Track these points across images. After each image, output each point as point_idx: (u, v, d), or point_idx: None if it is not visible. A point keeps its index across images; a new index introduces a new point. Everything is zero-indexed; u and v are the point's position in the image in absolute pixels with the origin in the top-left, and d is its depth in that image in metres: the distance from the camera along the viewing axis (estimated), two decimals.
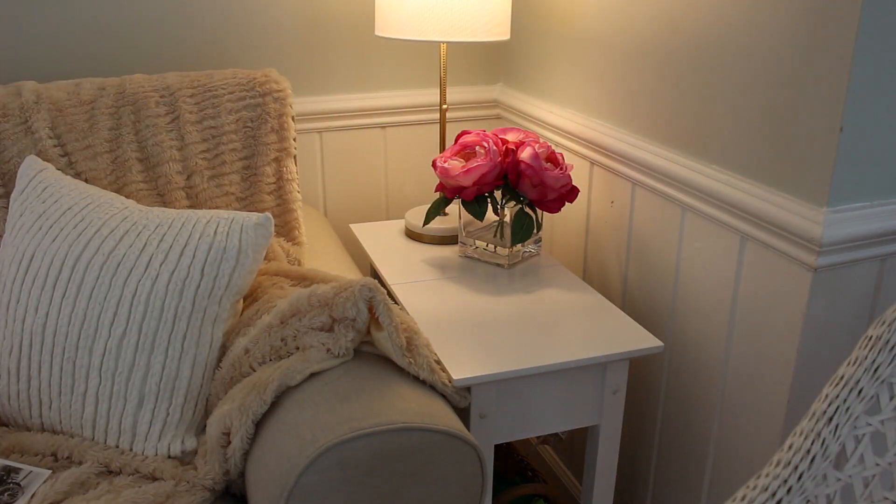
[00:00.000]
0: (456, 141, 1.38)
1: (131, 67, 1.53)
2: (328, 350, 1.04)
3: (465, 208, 1.37)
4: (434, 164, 1.37)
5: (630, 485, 1.47)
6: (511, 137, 1.37)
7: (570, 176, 1.33)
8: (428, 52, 1.73)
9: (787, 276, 1.03)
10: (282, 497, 0.88)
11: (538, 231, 1.42)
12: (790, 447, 0.82)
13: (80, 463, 1.08)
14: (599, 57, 1.41)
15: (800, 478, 0.81)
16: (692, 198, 1.19)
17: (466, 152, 1.37)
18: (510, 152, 1.33)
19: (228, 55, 1.59)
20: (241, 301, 1.21)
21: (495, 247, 1.40)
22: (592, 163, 1.45)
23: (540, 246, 1.46)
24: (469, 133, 1.37)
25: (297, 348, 1.07)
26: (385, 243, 1.51)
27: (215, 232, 1.14)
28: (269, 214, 1.15)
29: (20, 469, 1.05)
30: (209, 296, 1.11)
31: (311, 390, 1.00)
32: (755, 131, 1.07)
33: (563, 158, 1.35)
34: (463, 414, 1.11)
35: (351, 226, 1.61)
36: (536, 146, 1.32)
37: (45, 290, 1.13)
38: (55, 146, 1.31)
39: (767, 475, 0.82)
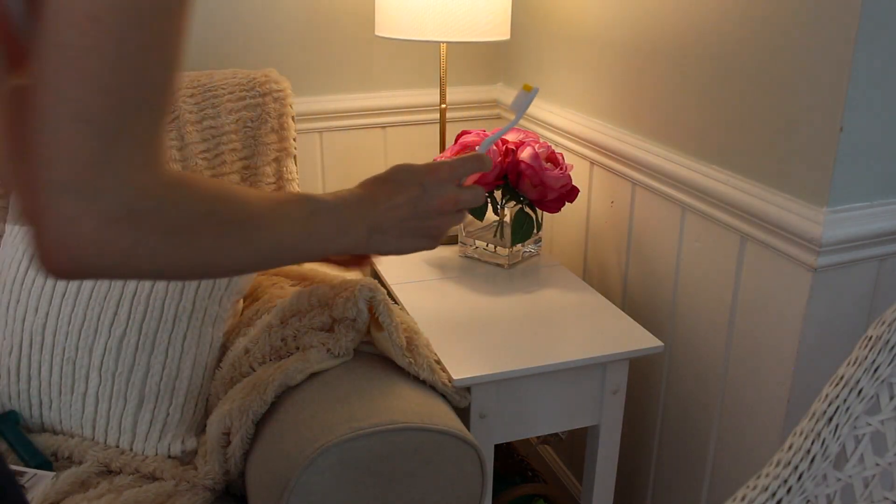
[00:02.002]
0: (456, 141, 1.38)
1: None
2: (328, 350, 1.04)
3: None
4: None
5: (630, 485, 1.47)
6: (511, 137, 1.37)
7: (570, 176, 1.33)
8: (428, 52, 1.73)
9: (787, 276, 1.03)
10: (282, 497, 0.88)
11: (538, 231, 1.42)
12: (790, 447, 0.82)
13: (81, 463, 1.08)
14: (599, 57, 1.41)
15: (800, 478, 0.81)
16: (692, 198, 1.19)
17: (466, 152, 1.37)
18: (510, 152, 1.33)
19: (228, 55, 1.59)
20: (241, 301, 1.21)
21: (495, 247, 1.40)
22: (592, 163, 1.45)
23: (540, 246, 1.46)
24: (469, 133, 1.37)
25: (298, 348, 1.07)
26: None
27: None
28: None
29: (25, 472, 1.05)
30: (209, 296, 1.11)
31: (311, 390, 1.00)
32: (755, 131, 1.07)
33: (563, 158, 1.35)
34: (463, 414, 1.11)
35: None
36: (536, 146, 1.32)
37: (45, 290, 1.13)
38: None
39: (767, 475, 0.82)
